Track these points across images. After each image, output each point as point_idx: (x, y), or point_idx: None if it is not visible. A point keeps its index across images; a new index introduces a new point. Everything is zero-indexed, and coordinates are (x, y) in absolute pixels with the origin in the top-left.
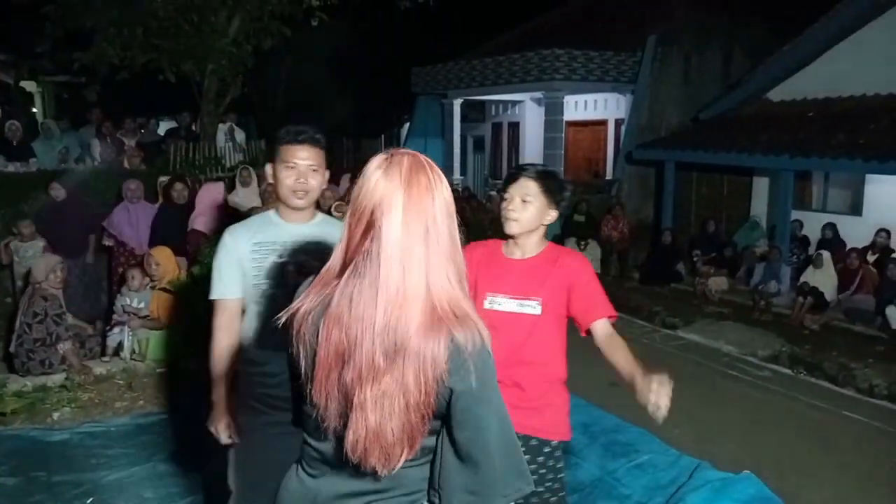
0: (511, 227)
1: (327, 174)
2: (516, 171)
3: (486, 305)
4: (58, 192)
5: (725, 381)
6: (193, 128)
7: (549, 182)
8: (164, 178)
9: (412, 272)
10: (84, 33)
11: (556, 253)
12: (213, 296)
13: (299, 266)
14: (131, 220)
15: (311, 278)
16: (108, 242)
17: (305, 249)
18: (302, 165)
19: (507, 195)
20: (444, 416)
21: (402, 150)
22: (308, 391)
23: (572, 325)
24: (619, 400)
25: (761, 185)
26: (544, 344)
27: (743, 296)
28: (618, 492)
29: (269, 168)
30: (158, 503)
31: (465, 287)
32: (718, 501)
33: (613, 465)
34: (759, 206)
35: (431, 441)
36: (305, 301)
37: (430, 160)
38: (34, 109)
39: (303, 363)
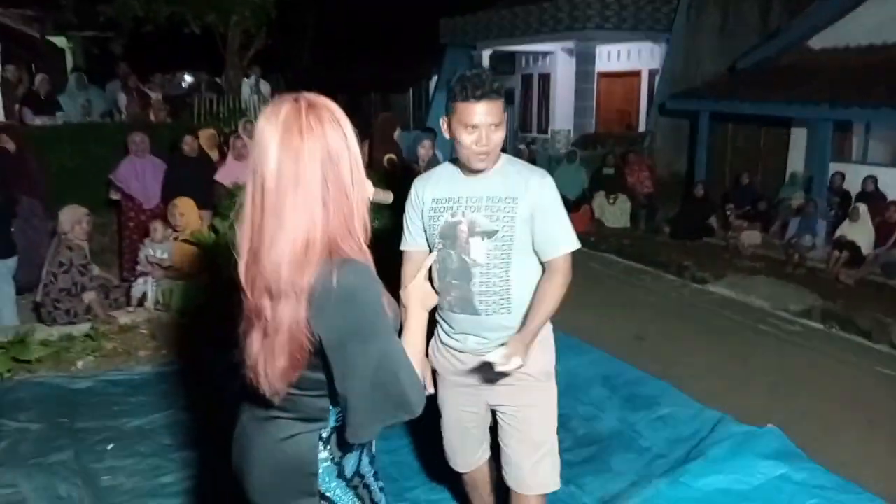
0: None
1: (505, 117)
2: None
3: None
4: (8, 144)
5: (754, 336)
6: (218, 80)
7: None
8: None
9: (284, 217)
10: None
11: None
12: (401, 247)
13: (471, 226)
14: (138, 174)
15: None
16: (114, 196)
17: (477, 207)
18: (483, 125)
19: None
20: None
21: (288, 97)
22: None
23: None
24: (642, 354)
25: (799, 137)
26: None
27: (776, 250)
28: (638, 444)
29: (443, 123)
30: (177, 449)
31: (351, 225)
32: (740, 454)
33: (634, 418)
34: (797, 159)
35: (319, 375)
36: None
37: (317, 101)
38: (71, 65)
39: None
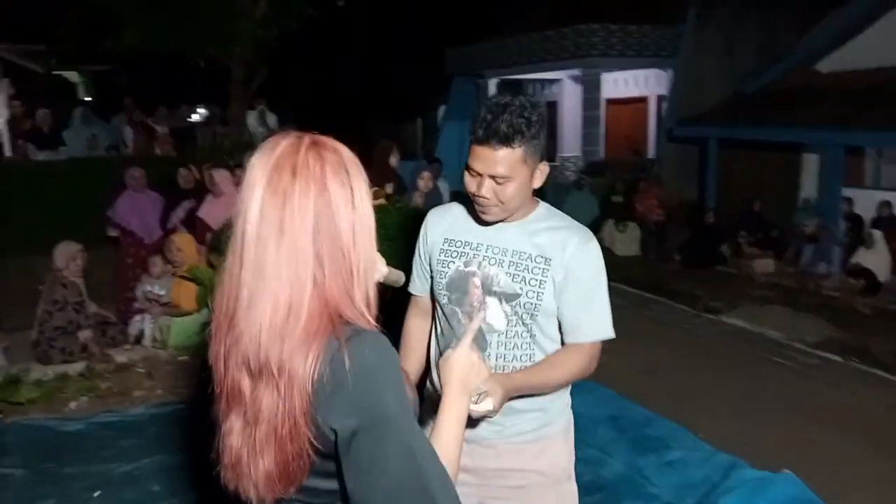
0: None
1: (544, 168)
2: None
3: None
4: None
5: (769, 370)
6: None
7: None
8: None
9: (265, 272)
10: (111, 19)
11: None
12: (410, 289)
13: (487, 282)
14: (137, 209)
15: None
16: (113, 233)
17: (500, 261)
18: (485, 174)
19: None
20: (333, 455)
21: (293, 133)
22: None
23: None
24: (653, 389)
25: (811, 162)
26: None
27: (790, 278)
28: (646, 491)
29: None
30: (164, 496)
31: (352, 292)
32: (754, 503)
33: (642, 462)
34: (809, 184)
35: (333, 484)
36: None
37: (324, 140)
38: (87, 99)
39: None
